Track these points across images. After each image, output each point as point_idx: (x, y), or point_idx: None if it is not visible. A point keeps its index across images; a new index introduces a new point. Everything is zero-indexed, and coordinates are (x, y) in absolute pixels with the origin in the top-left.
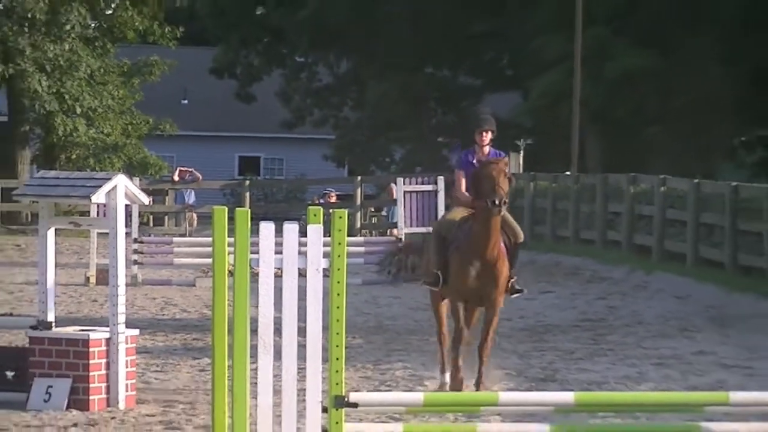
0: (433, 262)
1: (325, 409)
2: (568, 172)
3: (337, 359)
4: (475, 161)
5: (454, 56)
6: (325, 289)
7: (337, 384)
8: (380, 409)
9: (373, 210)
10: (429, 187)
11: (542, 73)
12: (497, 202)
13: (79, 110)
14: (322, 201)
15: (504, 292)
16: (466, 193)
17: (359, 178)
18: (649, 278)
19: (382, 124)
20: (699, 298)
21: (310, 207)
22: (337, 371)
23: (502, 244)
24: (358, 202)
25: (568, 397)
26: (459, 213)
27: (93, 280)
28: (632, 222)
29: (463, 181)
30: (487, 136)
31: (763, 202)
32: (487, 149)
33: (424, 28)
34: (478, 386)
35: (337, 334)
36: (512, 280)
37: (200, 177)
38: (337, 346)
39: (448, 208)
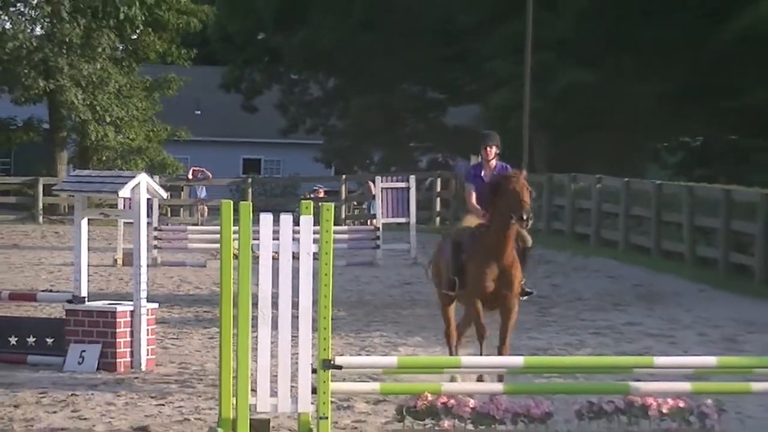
0: (450, 269)
1: (314, 371)
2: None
3: (325, 328)
4: (483, 175)
5: (424, 75)
6: (315, 269)
7: (324, 349)
8: (361, 370)
9: (355, 203)
10: (402, 185)
11: (497, 89)
12: (525, 216)
13: (108, 119)
14: (312, 196)
15: (518, 295)
16: (478, 206)
17: (344, 176)
18: (587, 261)
19: (363, 132)
20: (629, 278)
21: (302, 201)
22: (324, 338)
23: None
24: (343, 197)
25: (518, 360)
26: (472, 221)
27: (120, 262)
28: (573, 214)
29: (474, 194)
30: (491, 151)
31: (682, 197)
32: (493, 163)
33: (398, 52)
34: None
35: (325, 307)
36: (522, 282)
37: (210, 175)
38: (324, 317)
39: (453, 214)
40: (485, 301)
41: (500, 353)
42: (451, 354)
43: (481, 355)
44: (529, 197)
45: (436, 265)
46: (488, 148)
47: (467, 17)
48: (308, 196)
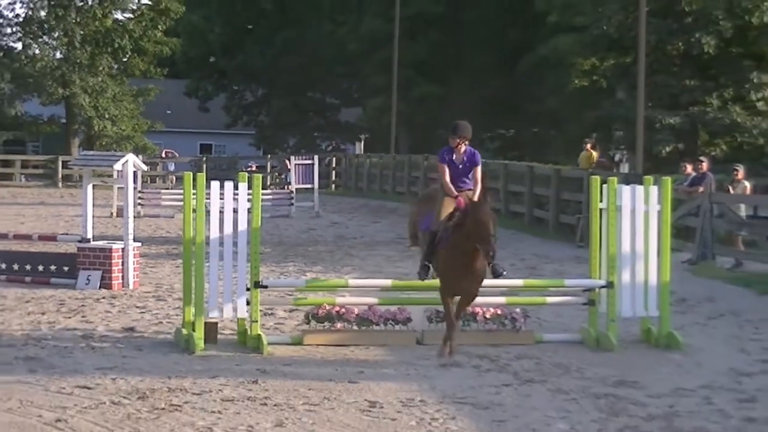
0: (423, 254)
1: (248, 289)
2: (391, 154)
3: (255, 260)
4: (453, 158)
5: (324, 86)
6: (248, 219)
7: (255, 274)
8: (280, 289)
9: (276, 175)
10: (309, 162)
11: (374, 96)
12: (491, 253)
13: (107, 116)
14: (247, 170)
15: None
16: (451, 185)
17: (269, 156)
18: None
19: (282, 125)
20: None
21: (240, 173)
22: (255, 267)
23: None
24: (268, 170)
25: (387, 282)
26: (447, 206)
27: (114, 214)
28: (425, 181)
29: (447, 171)
30: (460, 141)
31: (500, 171)
32: (462, 148)
33: (306, 70)
34: (448, 345)
35: (255, 245)
36: (493, 263)
37: (177, 155)
38: (255, 252)
39: (426, 192)
40: (455, 294)
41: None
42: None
43: (449, 343)
44: (494, 227)
45: (413, 227)
46: (458, 139)
47: (355, 46)
48: (244, 170)
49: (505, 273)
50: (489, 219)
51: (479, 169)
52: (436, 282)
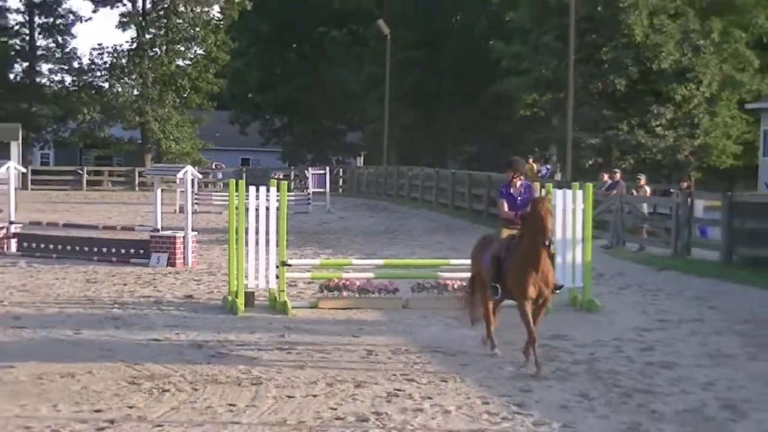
0: (491, 277)
1: (277, 266)
2: (383, 166)
3: (282, 245)
4: (511, 191)
5: (334, 115)
6: (276, 215)
7: (282, 255)
8: (300, 267)
9: (298, 181)
10: (322, 171)
11: (371, 123)
12: (547, 243)
13: (171, 138)
14: (276, 177)
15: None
16: (509, 213)
17: (292, 167)
18: (418, 212)
19: (302, 144)
20: (438, 220)
21: (270, 180)
22: (282, 250)
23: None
24: (292, 178)
25: (380, 261)
26: (506, 232)
27: (177, 211)
28: (410, 186)
29: (505, 204)
30: (515, 176)
31: (465, 178)
32: (518, 182)
33: (321, 103)
34: (530, 354)
35: (282, 234)
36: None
37: (224, 166)
38: (281, 239)
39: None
40: (534, 299)
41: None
42: (487, 333)
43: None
44: (551, 220)
45: (475, 272)
46: (513, 174)
47: (356, 85)
48: (274, 178)
49: (563, 286)
50: (546, 212)
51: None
52: (420, 261)
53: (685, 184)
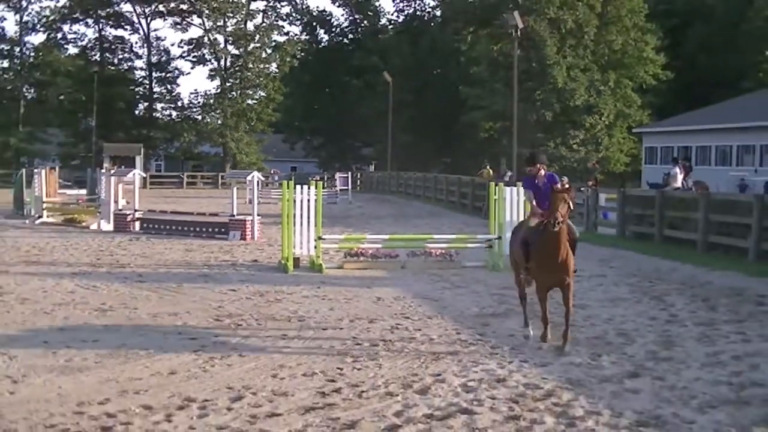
0: (522, 260)
1: (315, 240)
2: (388, 171)
3: (317, 225)
4: (536, 183)
5: (353, 136)
6: (314, 205)
7: (318, 232)
8: (331, 240)
9: (329, 182)
10: (345, 175)
11: (377, 143)
12: (553, 222)
13: (243, 153)
14: (314, 180)
15: (572, 275)
16: (537, 207)
17: (325, 173)
18: (411, 203)
19: (332, 157)
20: (420, 207)
21: (312, 181)
22: (318, 228)
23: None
24: (325, 180)
25: (385, 236)
26: (534, 221)
27: (247, 202)
28: (406, 185)
29: (532, 195)
30: (538, 167)
31: (442, 180)
32: (542, 172)
33: (340, 130)
34: (565, 338)
35: (318, 218)
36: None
37: (279, 172)
38: (318, 221)
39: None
40: (549, 286)
41: (566, 321)
42: (524, 314)
43: (545, 336)
44: (566, 207)
45: (513, 255)
46: (537, 165)
47: (369, 115)
48: (312, 180)
49: (575, 270)
50: (559, 199)
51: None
52: (411, 236)
53: (592, 183)
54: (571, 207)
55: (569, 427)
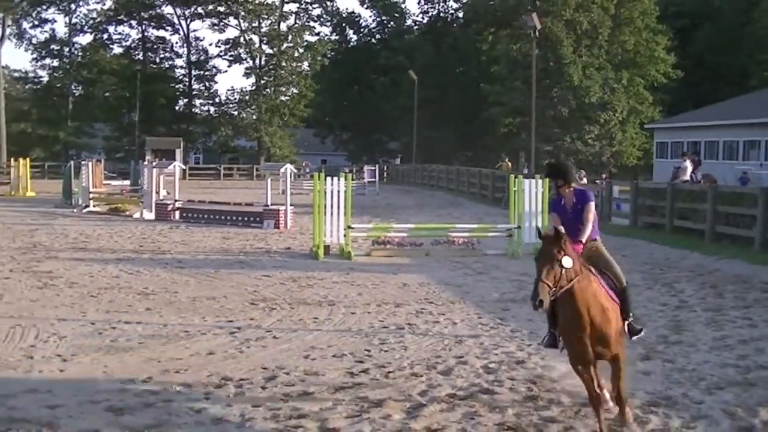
0: (547, 321)
1: (344, 229)
2: (413, 164)
3: (347, 215)
4: (563, 203)
5: (381, 131)
6: (344, 195)
7: (347, 221)
8: (360, 229)
9: (358, 173)
10: (373, 168)
11: (404, 136)
12: (533, 306)
13: (277, 146)
14: (344, 171)
15: (618, 341)
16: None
17: (354, 165)
18: (434, 194)
19: (360, 150)
20: (449, 200)
21: (341, 173)
22: (347, 218)
23: (607, 292)
24: (354, 172)
25: (411, 225)
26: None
27: (280, 193)
28: (429, 177)
29: (557, 219)
30: (560, 184)
31: (463, 172)
32: (568, 192)
33: (372, 123)
34: (622, 415)
35: (347, 208)
36: (628, 320)
37: (310, 164)
38: (347, 211)
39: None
40: (583, 362)
41: (617, 403)
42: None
43: (600, 425)
44: (553, 270)
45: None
46: (558, 183)
47: (395, 112)
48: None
49: (642, 331)
50: (546, 254)
51: (589, 206)
52: (436, 225)
53: (606, 176)
54: (565, 265)
55: (585, 407)
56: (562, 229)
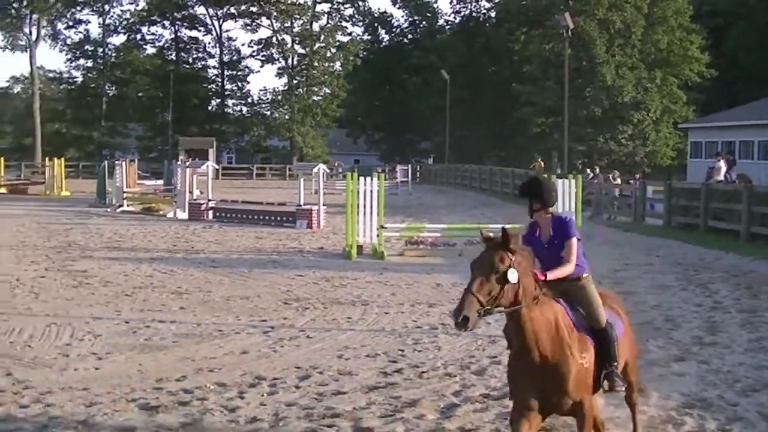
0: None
1: (377, 228)
2: (445, 164)
3: (380, 214)
4: (537, 234)
5: (413, 130)
6: (377, 195)
7: (380, 221)
8: (392, 229)
9: (390, 173)
10: (406, 167)
11: (436, 136)
12: (454, 324)
13: (309, 146)
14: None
15: (587, 391)
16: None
17: (387, 165)
18: (467, 193)
19: (393, 150)
20: (481, 200)
21: (374, 173)
22: (380, 217)
23: (573, 326)
24: (387, 171)
25: (444, 225)
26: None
27: (313, 192)
28: (462, 177)
29: (533, 259)
30: (534, 206)
31: (497, 172)
32: (545, 218)
33: (404, 123)
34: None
35: (380, 207)
36: (608, 370)
37: (342, 164)
38: (380, 210)
39: None
40: (524, 409)
41: None
42: None
43: None
44: (481, 287)
45: None
46: (531, 204)
47: (427, 112)
48: (375, 171)
49: (624, 388)
50: (483, 261)
51: (570, 244)
52: (468, 225)
53: (640, 176)
54: (509, 279)
55: (618, 408)
56: (514, 232)
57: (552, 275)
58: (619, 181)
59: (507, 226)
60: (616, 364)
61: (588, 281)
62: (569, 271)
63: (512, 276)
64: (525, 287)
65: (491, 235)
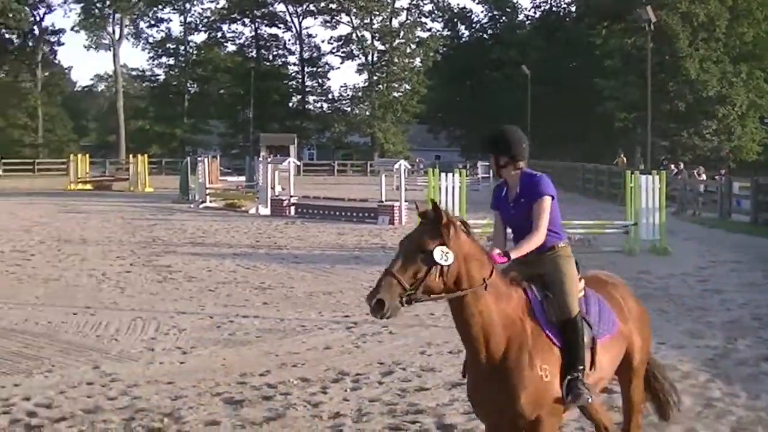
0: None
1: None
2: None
3: (462, 210)
4: (503, 195)
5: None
6: (459, 191)
7: (462, 217)
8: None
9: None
10: (487, 164)
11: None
12: (370, 310)
13: (390, 142)
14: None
15: (542, 401)
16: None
17: (467, 161)
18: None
19: (473, 145)
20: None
21: (455, 169)
22: (462, 213)
23: (536, 322)
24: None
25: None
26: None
27: (394, 189)
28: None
29: (499, 220)
30: (500, 161)
31: (580, 168)
32: (513, 176)
33: (482, 119)
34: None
35: (462, 203)
36: (571, 376)
37: (423, 161)
38: (462, 206)
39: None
40: (486, 418)
41: None
42: None
43: None
44: (403, 268)
45: None
46: (497, 159)
47: (505, 102)
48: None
49: (589, 399)
50: (412, 241)
51: (541, 203)
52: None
53: (725, 172)
54: (439, 261)
55: (706, 408)
56: (446, 206)
57: (516, 253)
58: (704, 176)
59: (591, 221)
60: (582, 368)
61: (563, 252)
62: (538, 241)
63: (442, 256)
64: (469, 271)
65: (425, 209)
